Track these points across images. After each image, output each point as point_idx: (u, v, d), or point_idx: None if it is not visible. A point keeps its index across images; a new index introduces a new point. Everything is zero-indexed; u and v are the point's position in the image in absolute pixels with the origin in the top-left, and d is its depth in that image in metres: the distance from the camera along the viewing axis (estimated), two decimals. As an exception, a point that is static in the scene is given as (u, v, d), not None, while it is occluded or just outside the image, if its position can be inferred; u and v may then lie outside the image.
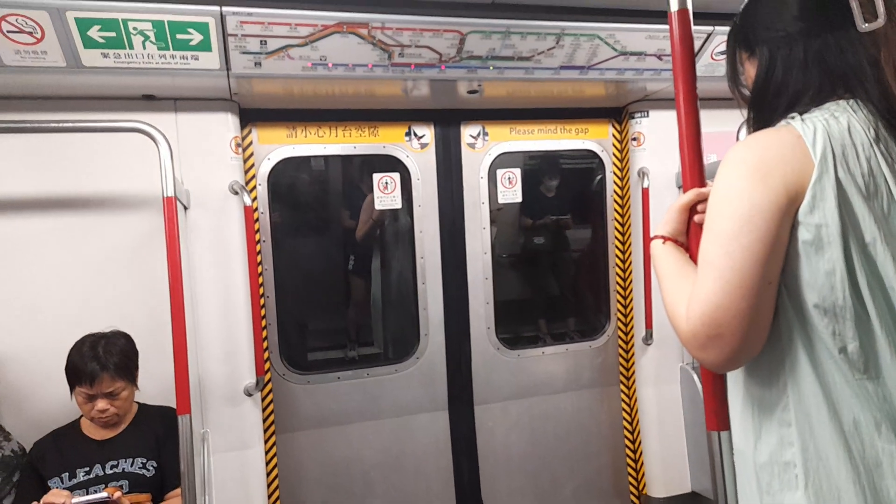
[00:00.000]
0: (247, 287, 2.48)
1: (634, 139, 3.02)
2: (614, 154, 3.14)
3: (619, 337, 3.21)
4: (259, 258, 2.60)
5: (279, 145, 2.68)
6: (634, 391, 3.17)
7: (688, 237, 1.09)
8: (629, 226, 3.12)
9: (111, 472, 1.97)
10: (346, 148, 2.78)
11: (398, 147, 2.85)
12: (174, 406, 1.86)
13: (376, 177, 2.83)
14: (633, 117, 3.02)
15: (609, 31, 2.31)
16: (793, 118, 0.94)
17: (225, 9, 1.93)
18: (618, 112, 3.11)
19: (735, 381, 1.03)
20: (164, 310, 1.90)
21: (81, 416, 2.04)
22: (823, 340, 0.88)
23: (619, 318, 3.20)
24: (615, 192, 3.16)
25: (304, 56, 2.13)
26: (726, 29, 1.13)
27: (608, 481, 3.22)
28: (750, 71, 1.05)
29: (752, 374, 0.97)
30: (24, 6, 1.77)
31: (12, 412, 2.18)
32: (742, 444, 1.01)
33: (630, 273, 3.14)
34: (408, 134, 2.85)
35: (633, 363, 3.16)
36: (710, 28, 2.37)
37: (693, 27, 1.12)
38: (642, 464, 3.17)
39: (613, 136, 3.14)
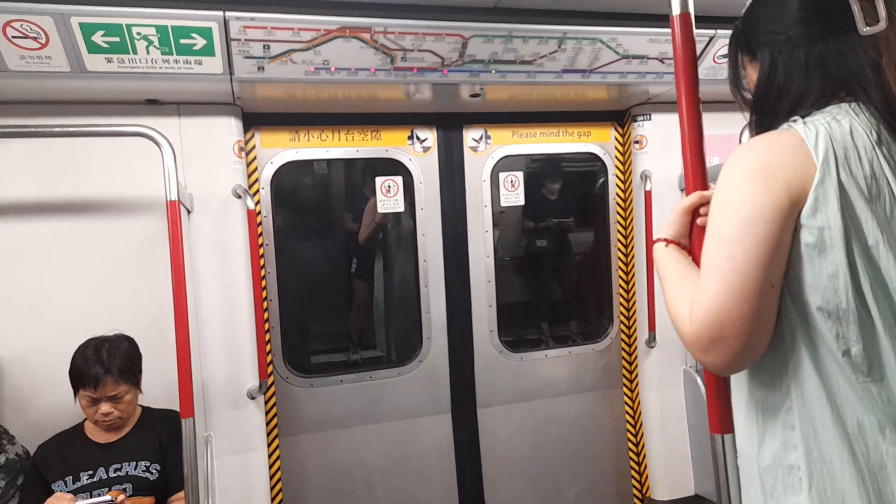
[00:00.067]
0: (250, 290, 2.48)
1: (637, 142, 3.02)
2: (617, 157, 3.14)
3: (622, 340, 3.21)
4: (262, 261, 2.60)
5: (282, 149, 2.69)
6: (637, 394, 3.17)
7: (690, 240, 1.09)
8: (632, 228, 3.12)
9: (115, 475, 1.97)
10: (348, 151, 2.79)
11: (401, 150, 2.85)
12: (178, 409, 1.87)
13: (379, 180, 2.84)
14: (635, 120, 3.02)
15: (611, 34, 2.31)
16: (795, 121, 0.94)
17: (228, 14, 1.94)
18: (620, 115, 3.12)
19: (738, 384, 1.02)
20: (168, 313, 1.91)
21: (85, 419, 2.05)
22: (827, 343, 0.88)
23: (622, 321, 3.19)
24: (618, 194, 3.16)
25: (306, 60, 2.14)
26: (728, 33, 1.14)
27: (611, 484, 3.22)
28: (752, 74, 1.06)
29: (755, 376, 0.97)
30: (29, 12, 1.78)
31: (16, 415, 2.18)
32: (746, 447, 1.01)
33: (633, 276, 3.13)
34: (410, 137, 2.86)
35: (637, 366, 3.16)
36: (711, 32, 2.37)
37: (695, 31, 1.12)
38: (646, 467, 3.16)
39: (616, 139, 3.14)
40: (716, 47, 2.44)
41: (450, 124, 2.90)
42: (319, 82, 2.26)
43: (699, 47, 2.40)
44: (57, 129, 1.97)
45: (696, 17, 1.12)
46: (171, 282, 1.84)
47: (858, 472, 0.87)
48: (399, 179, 2.85)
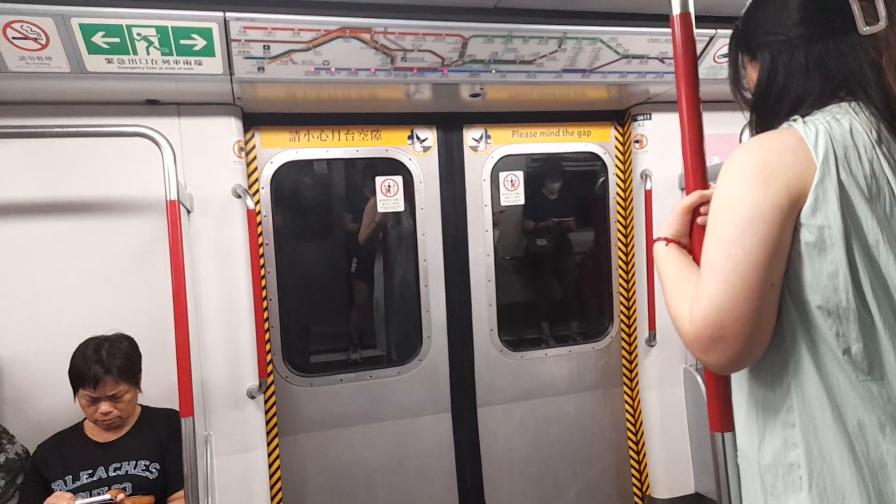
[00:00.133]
0: (250, 290, 2.48)
1: (637, 141, 3.03)
2: (617, 156, 3.14)
3: (623, 339, 3.21)
4: (262, 261, 2.60)
5: (282, 149, 2.69)
6: (638, 393, 3.17)
7: (691, 239, 1.09)
8: (632, 228, 3.12)
9: (114, 474, 1.98)
10: (348, 151, 2.79)
11: (401, 150, 2.85)
12: (177, 409, 1.87)
13: (379, 180, 2.84)
14: (635, 120, 3.02)
15: (611, 34, 2.31)
16: (795, 121, 0.94)
17: (228, 14, 1.94)
18: (620, 115, 3.12)
19: (739, 383, 1.03)
20: (168, 313, 1.91)
21: (85, 418, 2.05)
22: (827, 342, 0.89)
23: (622, 320, 3.19)
24: (618, 194, 3.16)
25: (306, 61, 2.14)
26: (728, 32, 1.14)
27: (611, 483, 3.22)
28: (752, 74, 1.06)
29: (755, 375, 0.97)
30: (29, 13, 1.78)
31: (16, 415, 2.19)
32: (746, 446, 1.01)
33: (633, 275, 3.14)
34: (410, 137, 2.86)
35: (637, 365, 3.16)
36: (712, 31, 2.37)
37: (695, 30, 1.13)
38: (646, 465, 3.16)
39: (616, 138, 3.14)
40: (716, 47, 2.44)
41: (450, 124, 2.90)
42: (319, 82, 2.26)
43: (699, 47, 2.40)
44: (57, 130, 1.97)
45: (696, 16, 1.13)
46: (171, 281, 1.84)
47: (858, 471, 0.87)
48: (399, 179, 2.85)
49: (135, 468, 2.00)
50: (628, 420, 3.23)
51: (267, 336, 2.59)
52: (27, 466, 2.02)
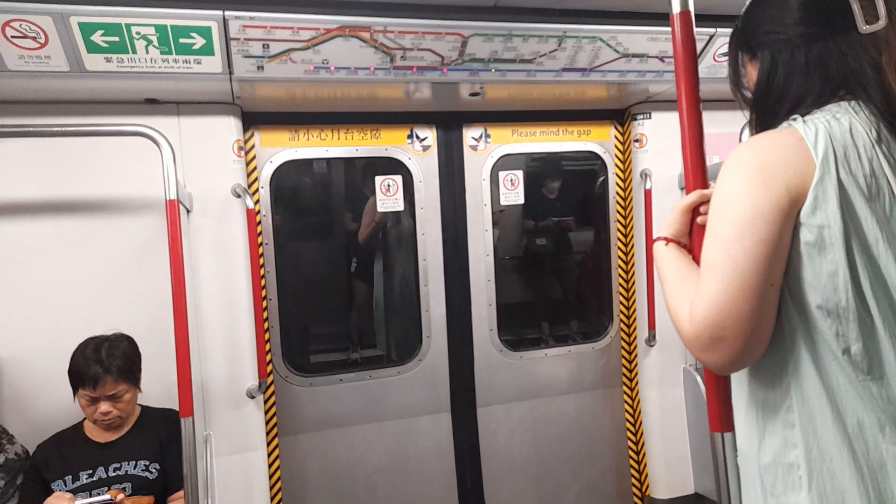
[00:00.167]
0: (249, 289, 2.48)
1: (637, 141, 3.02)
2: (617, 156, 3.14)
3: (622, 339, 3.21)
4: (261, 261, 2.60)
5: (281, 148, 2.69)
6: (637, 393, 3.17)
7: (691, 239, 1.09)
8: (632, 227, 3.12)
9: (114, 474, 1.98)
10: (348, 150, 2.79)
11: (400, 149, 2.85)
12: (177, 409, 1.87)
13: (378, 179, 2.84)
14: (635, 119, 3.02)
15: (611, 33, 2.31)
16: (794, 120, 0.94)
17: (227, 13, 1.93)
18: (620, 114, 3.11)
19: (739, 383, 1.03)
20: (167, 312, 1.91)
21: (84, 418, 2.05)
22: (827, 342, 0.88)
23: (622, 320, 3.19)
24: (618, 193, 3.16)
25: (306, 59, 2.13)
26: (728, 31, 1.13)
27: (611, 483, 3.22)
28: (752, 73, 1.05)
29: (755, 375, 0.97)
30: (28, 11, 1.78)
31: (16, 415, 2.18)
32: (746, 446, 1.01)
33: (633, 275, 3.13)
34: (410, 136, 2.86)
35: (636, 365, 3.16)
36: (712, 30, 2.37)
37: (695, 29, 1.12)
38: (645, 465, 3.16)
39: (616, 137, 3.14)
40: (716, 45, 2.44)
41: (449, 123, 2.90)
42: (319, 81, 2.26)
43: (699, 45, 2.40)
44: (56, 129, 1.97)
45: (696, 15, 1.12)
46: (171, 281, 1.84)
47: (858, 471, 0.87)
48: (399, 178, 2.85)
49: (134, 468, 2.00)
50: (628, 420, 3.23)
51: (267, 336, 2.58)
52: (27, 466, 2.02)
